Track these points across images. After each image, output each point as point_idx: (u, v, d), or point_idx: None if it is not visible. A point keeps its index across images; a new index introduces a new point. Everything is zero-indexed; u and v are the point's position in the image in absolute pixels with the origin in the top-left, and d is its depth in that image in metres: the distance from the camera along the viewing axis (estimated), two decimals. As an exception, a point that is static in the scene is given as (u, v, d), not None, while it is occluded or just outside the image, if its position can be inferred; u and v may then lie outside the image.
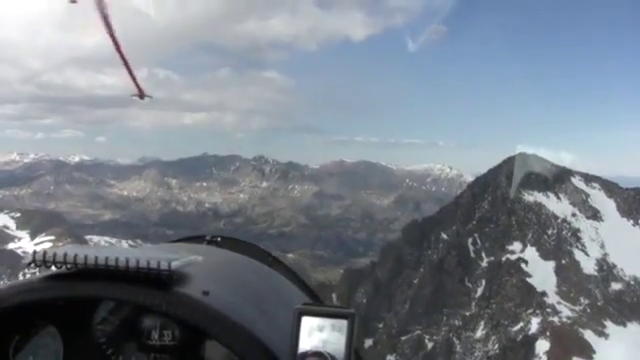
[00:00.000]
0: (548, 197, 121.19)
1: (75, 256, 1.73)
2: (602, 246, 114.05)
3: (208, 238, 3.27)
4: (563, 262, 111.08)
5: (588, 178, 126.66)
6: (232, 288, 2.17)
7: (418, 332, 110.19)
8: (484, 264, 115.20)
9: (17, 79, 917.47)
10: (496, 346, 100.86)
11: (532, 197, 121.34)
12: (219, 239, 3.26)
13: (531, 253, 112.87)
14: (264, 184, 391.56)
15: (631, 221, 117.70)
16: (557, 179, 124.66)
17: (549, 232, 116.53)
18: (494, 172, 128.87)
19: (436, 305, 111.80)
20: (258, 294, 2.39)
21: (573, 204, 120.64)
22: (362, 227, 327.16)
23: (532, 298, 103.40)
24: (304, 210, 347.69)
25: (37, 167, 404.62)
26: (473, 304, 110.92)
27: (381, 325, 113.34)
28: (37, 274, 1.91)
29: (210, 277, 2.11)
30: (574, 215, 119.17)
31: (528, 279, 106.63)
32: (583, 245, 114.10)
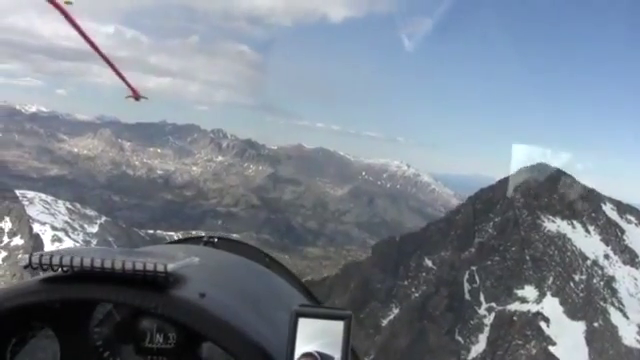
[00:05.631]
0: (575, 228, 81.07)
1: (71, 259, 1.66)
2: (644, 305, 74.94)
3: (205, 239, 3.06)
4: (595, 325, 71.72)
5: (622, 208, 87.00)
6: (229, 290, 2.12)
7: (383, 401, 69.85)
8: (482, 311, 75.07)
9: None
10: None
11: (554, 225, 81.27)
12: (216, 240, 3.06)
13: (552, 306, 73.67)
14: (219, 158, 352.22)
15: (680, 273, 78.82)
16: (584, 205, 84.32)
17: (576, 278, 76.56)
18: (503, 185, 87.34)
19: (412, 362, 71.14)
20: (255, 296, 2.30)
21: (605, 241, 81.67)
22: (313, 215, 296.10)
23: (558, 380, 63.72)
24: (256, 190, 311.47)
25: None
26: (465, 369, 70.81)
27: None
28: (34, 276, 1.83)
29: (207, 279, 2.05)
30: (607, 257, 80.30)
31: (551, 347, 66.61)
32: (620, 302, 75.45)
